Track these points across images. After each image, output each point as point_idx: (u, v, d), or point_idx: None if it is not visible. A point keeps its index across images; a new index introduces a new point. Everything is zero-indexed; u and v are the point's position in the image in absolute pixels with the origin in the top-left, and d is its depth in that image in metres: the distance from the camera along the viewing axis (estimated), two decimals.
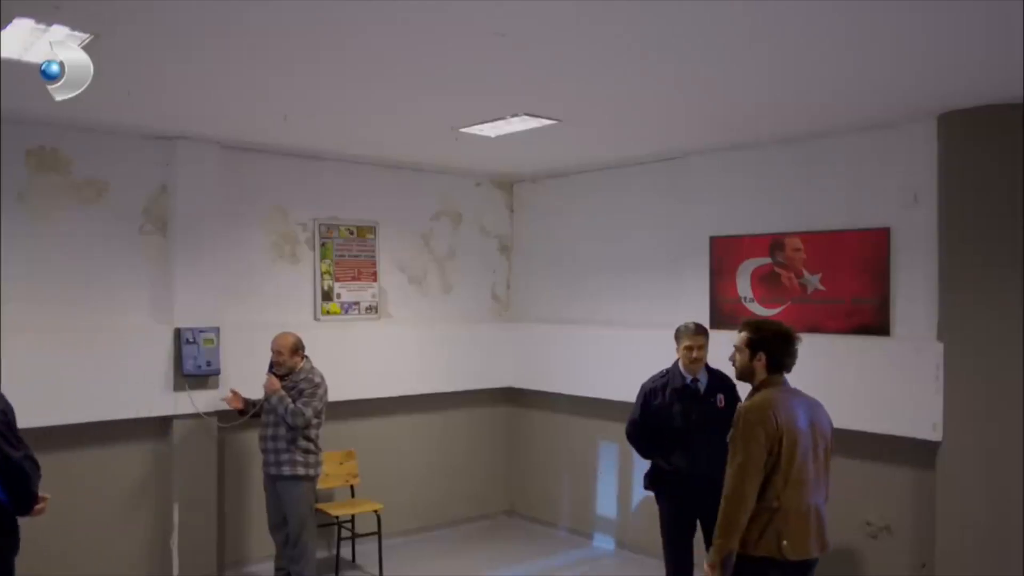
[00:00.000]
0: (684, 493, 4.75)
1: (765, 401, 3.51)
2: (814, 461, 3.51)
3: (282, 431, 5.39)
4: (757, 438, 3.40)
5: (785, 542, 3.40)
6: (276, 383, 5.43)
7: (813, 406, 3.64)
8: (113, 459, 5.63)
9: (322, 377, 5.54)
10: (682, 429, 4.73)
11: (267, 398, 5.46)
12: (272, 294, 6.32)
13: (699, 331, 4.80)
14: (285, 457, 5.40)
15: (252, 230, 6.27)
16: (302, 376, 5.45)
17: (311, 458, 5.46)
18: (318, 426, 5.51)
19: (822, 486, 3.57)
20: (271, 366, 5.52)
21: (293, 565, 5.50)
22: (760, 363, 3.62)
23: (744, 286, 5.93)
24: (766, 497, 3.42)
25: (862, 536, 5.36)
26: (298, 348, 5.51)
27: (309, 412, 5.36)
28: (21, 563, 5.19)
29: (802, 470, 3.45)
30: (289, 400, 5.36)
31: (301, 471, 5.41)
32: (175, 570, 5.77)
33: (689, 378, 4.76)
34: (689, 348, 4.77)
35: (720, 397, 4.69)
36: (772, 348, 3.61)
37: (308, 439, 5.45)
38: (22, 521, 5.22)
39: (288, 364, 5.46)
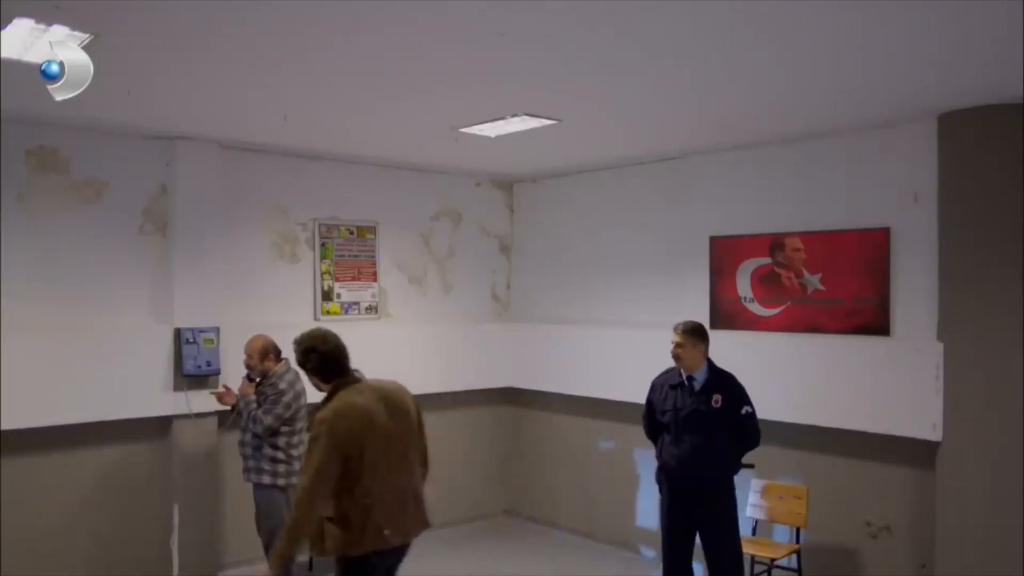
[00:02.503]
0: (675, 489, 4.77)
1: (337, 408, 3.58)
2: (402, 446, 3.71)
3: (248, 437, 5.21)
4: (326, 447, 3.47)
5: (387, 531, 3.59)
6: (245, 387, 5.29)
7: (392, 392, 3.78)
8: (113, 459, 5.62)
9: (291, 383, 5.16)
10: (671, 425, 4.75)
11: (239, 401, 5.33)
12: (272, 294, 6.31)
13: (682, 331, 4.72)
14: (251, 464, 5.21)
15: (252, 230, 6.27)
16: (271, 381, 5.18)
17: (280, 467, 5.17)
18: (289, 434, 5.17)
19: (416, 467, 3.82)
20: (248, 369, 5.35)
21: None
22: (316, 378, 3.74)
23: (744, 286, 5.93)
24: (357, 495, 3.52)
25: (862, 536, 5.36)
26: (268, 351, 5.24)
27: (268, 420, 5.06)
28: (20, 563, 5.21)
29: (388, 460, 3.62)
30: (255, 406, 5.16)
31: (267, 480, 5.17)
32: (175, 570, 5.77)
33: (685, 376, 4.77)
34: (672, 346, 4.77)
35: (717, 397, 4.65)
36: (313, 362, 3.72)
37: (276, 447, 5.16)
38: (21, 521, 5.23)
39: (258, 368, 5.22)
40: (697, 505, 4.69)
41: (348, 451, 3.49)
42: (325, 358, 3.71)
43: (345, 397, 3.63)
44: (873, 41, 3.65)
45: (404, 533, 3.69)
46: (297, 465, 5.14)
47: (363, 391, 3.69)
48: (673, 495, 4.78)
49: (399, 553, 3.77)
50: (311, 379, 3.80)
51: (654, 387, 4.94)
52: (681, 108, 4.94)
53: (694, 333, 4.72)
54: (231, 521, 6.10)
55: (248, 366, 5.28)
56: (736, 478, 5.51)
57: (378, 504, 3.57)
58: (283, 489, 5.19)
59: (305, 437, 5.22)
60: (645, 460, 5.24)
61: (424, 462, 3.96)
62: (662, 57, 3.90)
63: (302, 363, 3.77)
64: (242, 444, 5.29)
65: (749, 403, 4.67)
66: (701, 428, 4.64)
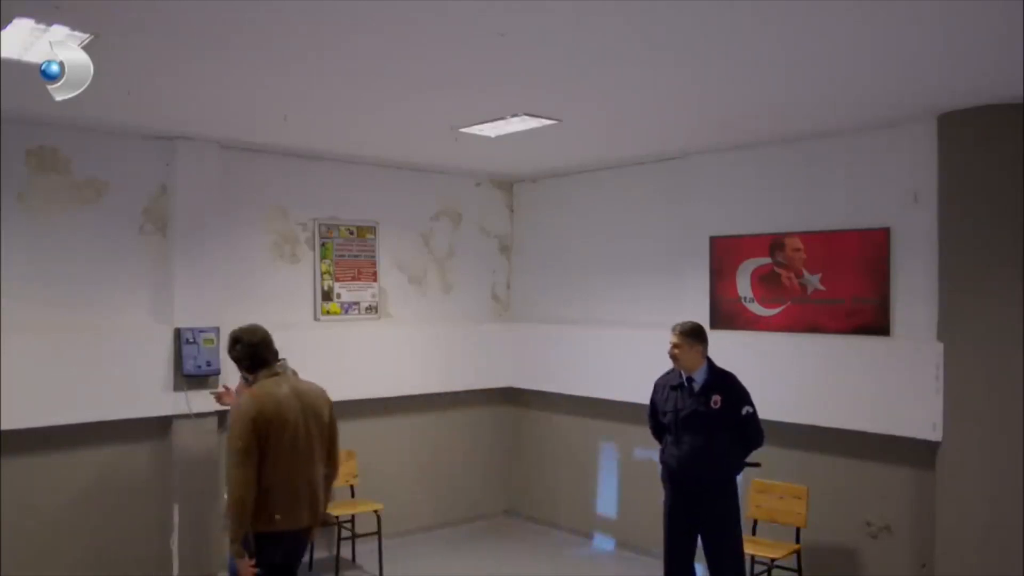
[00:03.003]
0: (677, 489, 4.78)
1: (251, 397, 3.95)
2: (306, 443, 3.98)
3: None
4: (241, 432, 3.82)
5: (277, 516, 3.87)
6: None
7: (307, 392, 4.10)
8: (113, 459, 5.62)
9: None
10: (672, 426, 4.77)
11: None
12: (272, 294, 6.31)
13: (680, 331, 4.73)
14: None
15: (252, 230, 6.27)
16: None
17: None
18: None
19: (318, 466, 4.05)
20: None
21: None
22: (240, 367, 4.16)
23: (744, 286, 5.93)
24: (260, 480, 3.83)
25: (862, 536, 5.36)
26: None
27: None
28: (20, 563, 5.21)
29: (291, 452, 3.92)
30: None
31: None
32: (175, 570, 5.77)
33: (684, 376, 4.77)
34: (670, 346, 4.78)
35: (716, 398, 4.64)
36: (238, 352, 4.11)
37: None
38: (21, 521, 5.22)
39: None
40: (698, 505, 4.69)
41: (258, 434, 3.83)
42: (249, 349, 4.07)
43: (264, 386, 3.99)
44: (873, 41, 3.64)
45: (294, 521, 3.94)
46: None
47: (281, 384, 4.02)
48: (675, 495, 4.78)
49: (294, 541, 4.05)
50: (238, 368, 4.20)
51: (656, 388, 4.95)
52: (681, 108, 4.94)
53: (691, 334, 4.71)
54: None
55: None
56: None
57: (273, 490, 3.86)
58: None
59: None
60: (646, 459, 5.25)
61: (331, 464, 4.20)
62: (662, 57, 3.90)
63: (229, 351, 4.19)
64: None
65: (750, 403, 4.66)
66: (701, 429, 4.64)
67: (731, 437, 4.65)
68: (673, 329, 4.76)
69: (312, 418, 4.05)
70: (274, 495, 3.87)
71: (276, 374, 4.06)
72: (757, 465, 5.07)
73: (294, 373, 4.23)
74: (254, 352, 4.08)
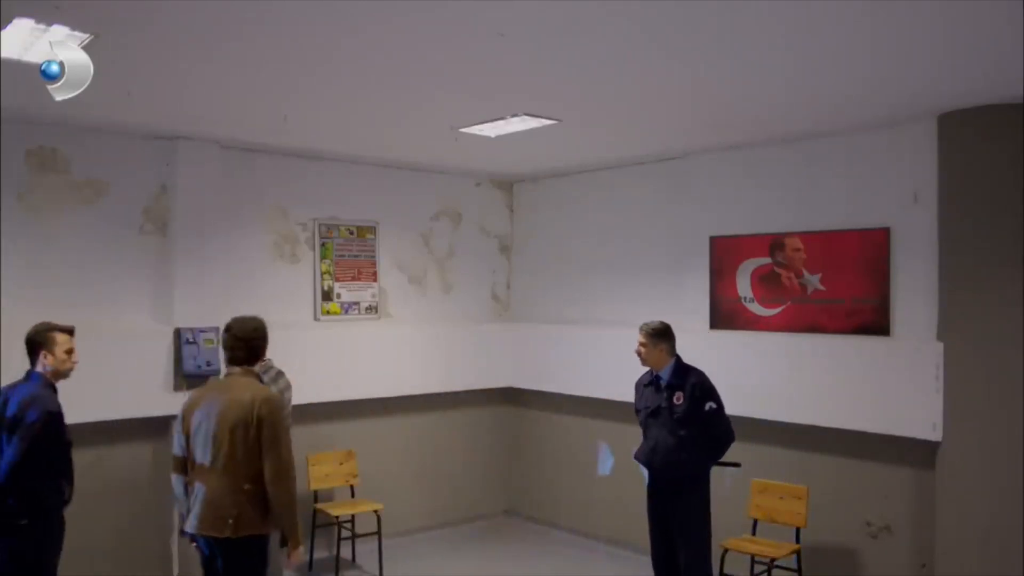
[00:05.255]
0: (652, 483, 4.87)
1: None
2: (214, 449, 3.77)
3: None
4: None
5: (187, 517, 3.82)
6: None
7: (232, 399, 3.82)
8: (113, 459, 5.62)
9: (271, 382, 4.94)
10: (643, 423, 4.91)
11: None
12: (272, 294, 6.31)
13: (643, 332, 4.83)
14: None
15: (252, 230, 6.27)
16: None
17: None
18: None
19: (224, 476, 3.74)
20: None
21: None
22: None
23: (744, 286, 5.93)
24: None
25: (862, 536, 5.36)
26: None
27: None
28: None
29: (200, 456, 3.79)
30: None
31: None
32: (175, 570, 5.77)
33: (655, 374, 4.86)
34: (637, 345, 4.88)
35: (678, 394, 4.73)
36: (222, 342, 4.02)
37: None
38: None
39: None
40: (669, 500, 4.77)
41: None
42: (224, 343, 3.98)
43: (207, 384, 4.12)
44: (873, 41, 3.64)
45: (208, 528, 3.73)
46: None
47: (215, 387, 4.03)
48: (650, 489, 4.89)
49: (227, 545, 3.74)
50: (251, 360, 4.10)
51: (636, 387, 5.06)
52: (681, 108, 4.94)
53: (653, 334, 4.82)
54: None
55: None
56: (734, 478, 5.52)
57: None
58: None
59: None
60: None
61: (247, 478, 3.75)
62: (662, 57, 3.91)
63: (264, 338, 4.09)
64: None
65: (715, 400, 4.71)
66: (664, 424, 4.76)
67: (697, 433, 4.69)
68: (640, 329, 4.86)
69: (224, 425, 3.83)
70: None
71: (229, 374, 3.97)
72: (736, 465, 5.08)
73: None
74: (225, 346, 4.07)
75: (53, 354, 4.18)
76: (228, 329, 3.98)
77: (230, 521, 3.66)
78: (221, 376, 4.61)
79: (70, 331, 4.27)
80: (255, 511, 3.70)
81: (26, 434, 3.96)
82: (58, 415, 4.11)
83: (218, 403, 3.79)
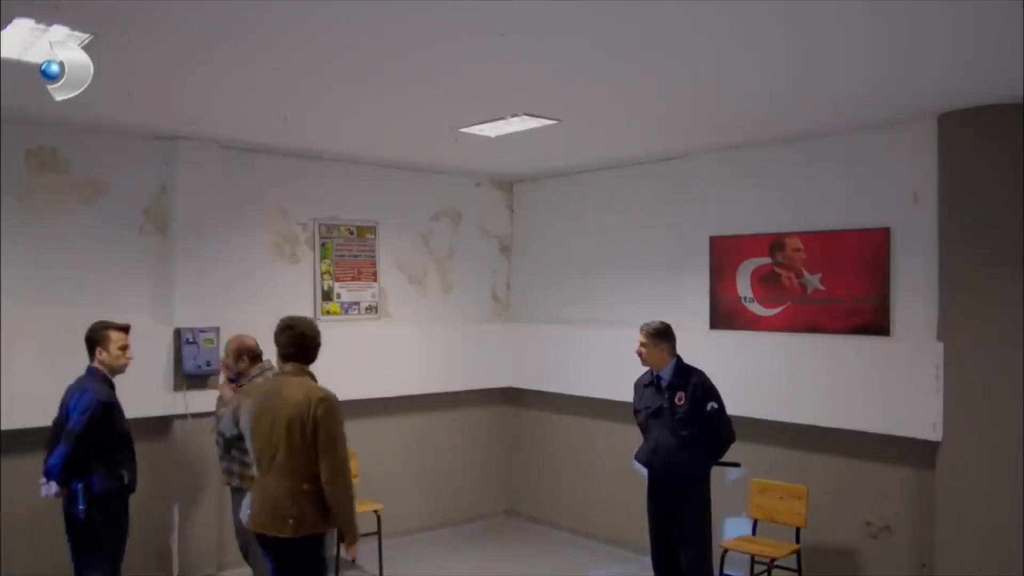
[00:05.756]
0: (651, 483, 4.87)
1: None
2: (271, 449, 3.80)
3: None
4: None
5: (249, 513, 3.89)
6: (224, 389, 5.15)
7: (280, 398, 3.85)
8: None
9: (87, 388, 4.52)
10: (643, 424, 4.90)
11: None
12: (272, 294, 6.31)
13: (644, 332, 4.83)
14: (223, 465, 5.08)
15: (252, 230, 6.27)
16: (242, 383, 5.00)
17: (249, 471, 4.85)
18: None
19: (286, 476, 3.78)
20: (225, 370, 5.21)
21: None
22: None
23: (744, 286, 5.93)
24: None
25: (862, 536, 5.36)
26: (242, 353, 5.07)
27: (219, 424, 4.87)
28: (20, 563, 5.21)
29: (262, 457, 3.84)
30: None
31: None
32: (175, 570, 5.77)
33: (655, 375, 4.85)
34: (637, 345, 4.87)
35: (680, 394, 4.72)
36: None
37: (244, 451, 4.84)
38: (21, 521, 5.21)
39: (234, 368, 5.08)
40: (669, 500, 4.77)
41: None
42: (285, 340, 3.98)
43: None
44: (873, 41, 3.64)
45: (269, 527, 3.77)
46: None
47: (268, 386, 4.05)
48: (650, 490, 4.89)
49: (265, 542, 3.83)
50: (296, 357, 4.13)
51: (635, 387, 5.04)
52: (681, 108, 4.94)
53: (654, 334, 4.81)
54: (231, 521, 6.09)
55: (225, 366, 5.18)
56: (734, 478, 5.53)
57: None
58: (236, 491, 5.02)
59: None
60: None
61: (305, 478, 3.73)
62: (662, 57, 3.90)
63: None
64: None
65: (716, 399, 4.71)
66: (665, 425, 4.74)
67: (698, 433, 4.69)
68: (641, 329, 4.86)
69: (275, 425, 3.88)
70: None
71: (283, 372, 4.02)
72: (736, 465, 5.09)
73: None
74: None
75: (108, 351, 4.47)
76: (290, 327, 3.97)
77: (290, 521, 3.66)
78: (271, 374, 4.69)
79: (125, 329, 4.57)
80: (315, 511, 3.70)
81: (76, 424, 4.22)
82: (109, 405, 4.38)
83: (273, 403, 3.79)
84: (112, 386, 4.48)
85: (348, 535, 3.79)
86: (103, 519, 4.35)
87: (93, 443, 4.26)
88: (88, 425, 4.22)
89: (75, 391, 4.40)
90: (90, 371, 4.49)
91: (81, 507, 4.27)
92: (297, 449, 3.68)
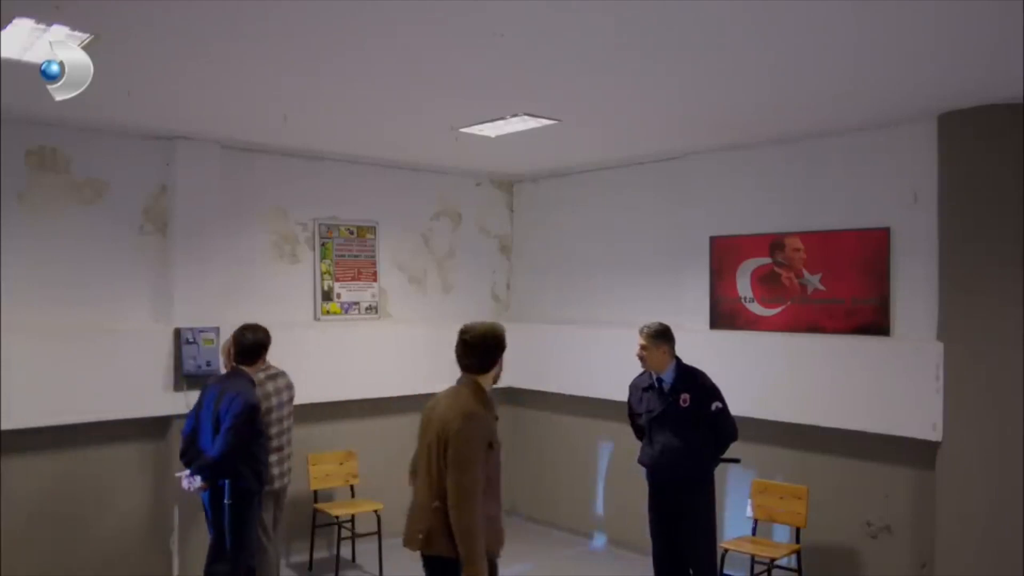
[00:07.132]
0: (654, 486, 4.85)
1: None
2: (424, 459, 3.65)
3: None
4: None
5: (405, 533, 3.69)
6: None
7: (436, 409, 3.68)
8: (113, 459, 5.62)
9: (239, 391, 4.68)
10: (646, 426, 4.85)
11: None
12: (272, 294, 6.31)
13: (645, 334, 4.77)
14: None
15: (252, 230, 6.27)
16: None
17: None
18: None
19: (427, 487, 3.61)
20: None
21: None
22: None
23: (744, 286, 5.93)
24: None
25: (862, 536, 5.36)
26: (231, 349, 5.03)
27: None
28: (20, 563, 5.21)
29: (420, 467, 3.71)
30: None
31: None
32: (175, 570, 5.77)
33: (655, 377, 4.81)
34: (638, 348, 4.81)
35: (685, 396, 4.69)
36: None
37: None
38: (21, 520, 5.21)
39: (228, 367, 5.03)
40: (674, 503, 4.75)
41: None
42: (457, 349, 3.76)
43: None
44: (873, 41, 3.65)
45: (407, 540, 3.66)
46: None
47: (446, 394, 3.78)
48: (653, 493, 4.86)
49: (424, 561, 3.65)
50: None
51: (631, 389, 5.01)
52: (681, 108, 4.94)
53: (656, 336, 4.76)
54: None
55: (224, 365, 5.19)
56: (733, 477, 5.53)
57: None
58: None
59: (280, 441, 5.12)
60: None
61: (437, 495, 3.55)
62: (662, 57, 3.91)
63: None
64: None
65: (719, 399, 4.70)
66: (671, 428, 4.70)
67: (703, 434, 4.68)
68: (640, 331, 4.81)
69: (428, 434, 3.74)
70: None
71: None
72: (736, 461, 5.09)
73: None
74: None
75: (264, 359, 4.88)
76: (460, 334, 3.73)
77: (420, 536, 3.55)
78: (263, 375, 4.98)
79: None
80: (444, 531, 3.47)
81: (234, 423, 4.49)
82: (258, 408, 4.69)
83: (434, 412, 3.66)
84: (256, 387, 4.82)
85: (465, 565, 3.43)
86: (244, 511, 4.64)
87: (245, 443, 4.54)
88: (244, 426, 4.51)
89: (228, 391, 4.63)
90: (239, 373, 4.78)
91: (227, 501, 4.55)
92: (434, 464, 3.52)
